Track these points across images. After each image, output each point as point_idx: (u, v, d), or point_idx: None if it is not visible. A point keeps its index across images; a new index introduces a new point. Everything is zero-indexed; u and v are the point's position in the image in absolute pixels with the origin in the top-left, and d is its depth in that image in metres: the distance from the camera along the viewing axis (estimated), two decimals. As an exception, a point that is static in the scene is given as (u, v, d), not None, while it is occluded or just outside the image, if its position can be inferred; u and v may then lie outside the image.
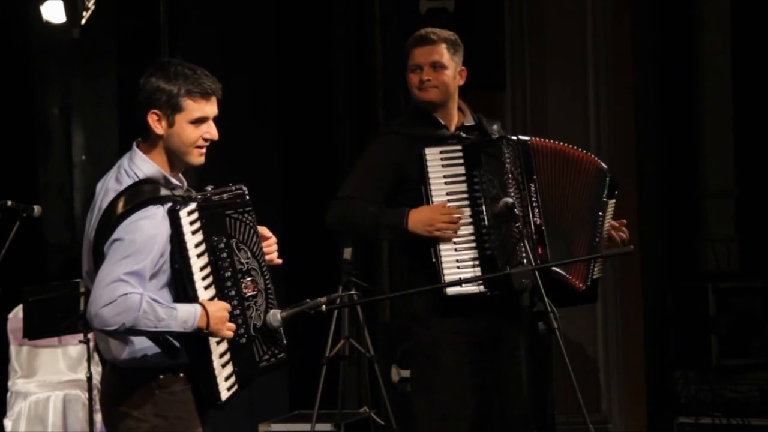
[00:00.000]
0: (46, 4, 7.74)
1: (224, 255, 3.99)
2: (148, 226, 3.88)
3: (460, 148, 5.02)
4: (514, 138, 5.10)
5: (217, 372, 3.96)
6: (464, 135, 5.12)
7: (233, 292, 4.01)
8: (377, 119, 8.23)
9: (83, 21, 7.60)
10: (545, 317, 4.59)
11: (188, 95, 4.00)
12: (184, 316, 3.87)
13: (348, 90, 8.40)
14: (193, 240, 3.92)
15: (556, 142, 5.21)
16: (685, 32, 8.56)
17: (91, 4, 7.50)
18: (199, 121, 4.02)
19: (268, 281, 4.14)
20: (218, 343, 3.97)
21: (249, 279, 4.07)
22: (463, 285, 4.93)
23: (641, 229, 7.87)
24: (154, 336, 3.92)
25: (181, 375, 4.00)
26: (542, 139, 5.16)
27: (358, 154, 5.39)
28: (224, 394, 3.99)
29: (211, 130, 4.05)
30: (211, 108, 4.05)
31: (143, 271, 3.85)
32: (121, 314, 3.80)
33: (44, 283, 7.08)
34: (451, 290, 4.94)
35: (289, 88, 8.26)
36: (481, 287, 4.95)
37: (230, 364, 4.00)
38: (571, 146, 5.22)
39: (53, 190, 8.47)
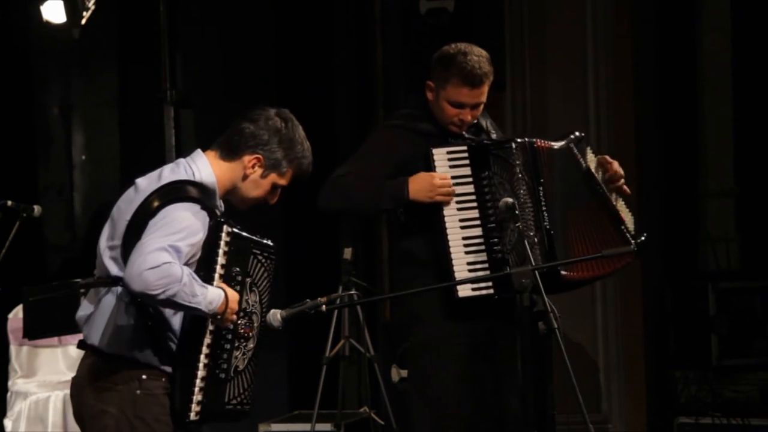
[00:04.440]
0: (46, 4, 7.73)
1: (237, 288, 4.00)
2: (192, 218, 3.91)
3: (465, 148, 5.01)
4: (521, 140, 5.06)
5: (195, 390, 3.97)
6: (467, 135, 5.09)
7: (231, 326, 4.01)
8: (377, 119, 8.23)
9: (83, 21, 7.61)
10: (545, 317, 4.59)
11: (290, 167, 4.12)
12: (212, 297, 3.90)
13: (348, 90, 8.39)
14: (221, 260, 3.95)
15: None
16: (685, 32, 8.55)
17: (91, 4, 7.50)
18: (278, 187, 4.15)
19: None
20: (203, 366, 3.97)
21: (247, 321, 4.07)
22: (474, 289, 4.93)
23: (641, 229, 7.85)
24: (185, 309, 3.91)
25: (163, 379, 4.01)
26: (545, 141, 5.11)
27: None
28: (192, 415, 3.98)
29: (275, 198, 4.18)
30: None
31: (182, 249, 3.86)
32: (164, 279, 3.80)
33: (44, 283, 7.08)
34: (462, 293, 4.93)
35: (289, 88, 8.25)
36: (490, 290, 4.94)
37: (202, 392, 3.99)
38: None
39: (53, 190, 8.47)
